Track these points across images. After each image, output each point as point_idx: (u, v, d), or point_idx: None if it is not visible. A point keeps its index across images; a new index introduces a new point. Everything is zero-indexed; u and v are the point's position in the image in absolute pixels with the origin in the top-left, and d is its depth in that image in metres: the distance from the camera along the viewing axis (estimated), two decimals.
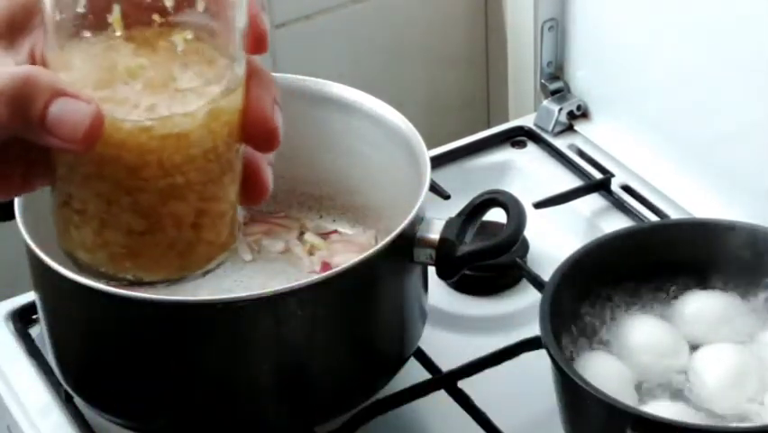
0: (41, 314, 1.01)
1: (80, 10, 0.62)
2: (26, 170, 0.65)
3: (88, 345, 0.98)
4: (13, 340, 1.11)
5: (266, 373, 0.94)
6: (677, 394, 0.95)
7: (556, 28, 1.35)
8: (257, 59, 0.67)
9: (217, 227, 0.66)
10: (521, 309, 1.14)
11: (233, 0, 0.63)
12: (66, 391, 1.03)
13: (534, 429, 1.03)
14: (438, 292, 1.15)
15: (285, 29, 1.38)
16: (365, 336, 0.98)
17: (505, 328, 1.11)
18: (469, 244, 0.97)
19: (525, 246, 1.17)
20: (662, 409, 0.91)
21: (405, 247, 0.96)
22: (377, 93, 1.09)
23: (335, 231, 1.14)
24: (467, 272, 1.00)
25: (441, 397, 1.03)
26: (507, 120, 1.44)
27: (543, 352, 0.93)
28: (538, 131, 1.34)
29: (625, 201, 1.24)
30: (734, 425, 0.91)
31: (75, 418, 1.03)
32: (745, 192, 1.17)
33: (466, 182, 1.25)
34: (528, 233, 1.03)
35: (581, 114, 1.36)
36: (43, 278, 0.96)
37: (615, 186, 1.26)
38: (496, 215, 1.00)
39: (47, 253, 0.91)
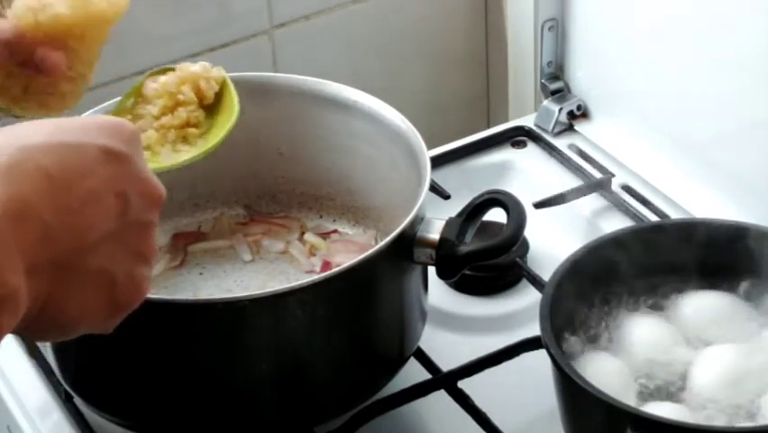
0: None
1: None
2: None
3: (88, 345, 0.98)
4: (14, 340, 1.11)
5: (266, 373, 0.94)
6: (677, 394, 0.94)
7: (556, 28, 1.35)
8: None
9: None
10: (521, 309, 1.14)
11: None
12: (66, 391, 1.03)
13: (534, 429, 1.03)
14: (438, 292, 1.15)
15: (285, 29, 1.38)
16: (365, 336, 0.98)
17: (505, 328, 1.11)
18: (469, 244, 0.97)
19: (525, 246, 1.17)
20: (661, 409, 0.91)
21: (405, 247, 0.96)
22: (377, 93, 1.09)
23: (335, 231, 1.14)
24: (467, 272, 1.00)
25: (441, 397, 1.03)
26: (507, 120, 1.44)
27: (543, 352, 0.93)
28: (538, 131, 1.34)
29: (625, 201, 1.24)
30: (733, 425, 0.91)
31: (75, 417, 1.03)
32: (745, 192, 1.17)
33: (466, 182, 1.25)
34: (528, 233, 1.03)
35: (581, 114, 1.36)
36: None
37: (615, 186, 1.26)
38: (496, 215, 1.00)
39: None
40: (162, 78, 0.99)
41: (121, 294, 0.71)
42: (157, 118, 0.97)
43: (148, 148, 0.95)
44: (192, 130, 0.97)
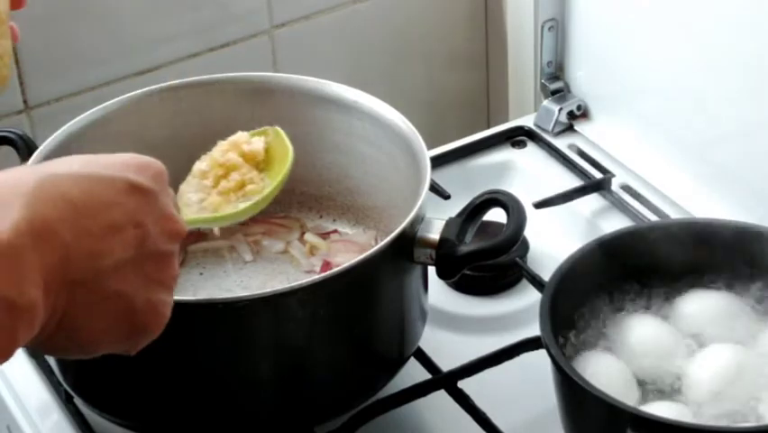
0: None
1: None
2: None
3: None
4: None
5: (266, 373, 0.94)
6: (677, 394, 0.95)
7: (556, 28, 1.35)
8: None
9: None
10: (521, 309, 1.14)
11: None
12: (66, 391, 1.03)
13: (534, 429, 1.03)
14: (438, 292, 1.15)
15: (285, 29, 1.38)
16: (365, 336, 0.98)
17: (505, 328, 1.11)
18: (469, 244, 0.97)
19: (525, 246, 1.17)
20: (661, 409, 0.91)
21: (405, 247, 0.96)
22: (377, 93, 1.09)
23: (335, 231, 1.14)
24: (467, 272, 1.00)
25: (441, 397, 1.03)
26: (507, 120, 1.44)
27: (543, 352, 0.93)
28: (538, 131, 1.34)
29: (625, 201, 1.24)
30: (733, 425, 0.91)
31: (75, 418, 1.03)
32: (744, 192, 1.17)
33: (466, 182, 1.25)
34: (528, 233, 1.03)
35: (581, 114, 1.36)
36: None
37: (615, 186, 1.26)
38: (496, 215, 1.00)
39: None
40: (208, 155, 1.01)
41: (140, 318, 0.74)
42: (215, 187, 0.99)
43: (214, 211, 0.97)
44: (250, 187, 0.99)
